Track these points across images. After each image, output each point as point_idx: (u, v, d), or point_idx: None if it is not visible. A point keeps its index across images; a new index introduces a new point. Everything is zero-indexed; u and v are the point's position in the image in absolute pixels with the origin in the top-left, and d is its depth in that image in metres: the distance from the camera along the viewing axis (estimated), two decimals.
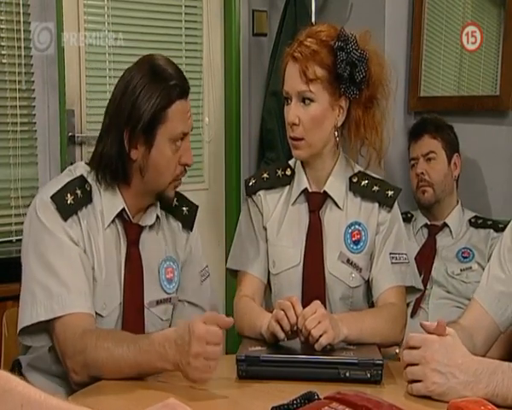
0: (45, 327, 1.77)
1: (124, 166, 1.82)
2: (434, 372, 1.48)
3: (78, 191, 1.82)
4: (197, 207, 2.03)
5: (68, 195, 1.80)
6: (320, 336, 1.69)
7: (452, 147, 2.95)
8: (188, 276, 1.98)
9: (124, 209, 1.85)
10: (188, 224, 1.99)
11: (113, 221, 1.84)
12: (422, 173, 2.92)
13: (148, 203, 1.89)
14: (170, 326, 1.93)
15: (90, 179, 1.85)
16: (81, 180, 1.84)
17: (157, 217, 1.92)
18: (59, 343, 1.73)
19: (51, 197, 1.78)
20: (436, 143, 2.92)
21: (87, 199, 1.82)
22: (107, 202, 1.84)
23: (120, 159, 1.81)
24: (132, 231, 1.86)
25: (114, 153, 1.81)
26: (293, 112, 1.95)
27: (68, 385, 1.78)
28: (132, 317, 1.85)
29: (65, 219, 1.78)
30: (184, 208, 2.00)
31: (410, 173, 3.03)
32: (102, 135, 1.86)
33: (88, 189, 1.83)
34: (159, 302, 1.91)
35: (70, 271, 1.75)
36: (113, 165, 1.82)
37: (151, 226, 1.91)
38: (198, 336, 1.54)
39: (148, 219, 1.90)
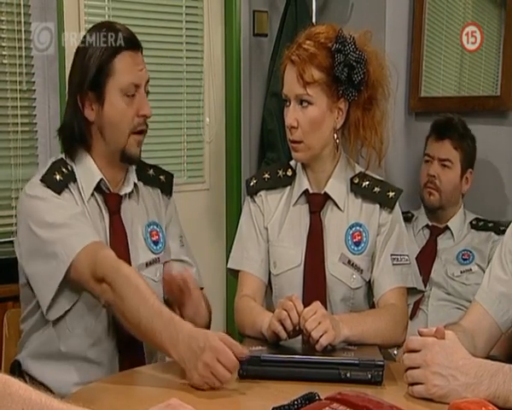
0: (66, 288, 1.82)
1: (82, 129, 1.89)
2: (435, 375, 1.48)
3: (64, 169, 1.90)
4: (172, 175, 2.11)
5: (56, 173, 1.88)
6: (320, 336, 1.70)
7: (469, 161, 2.91)
8: (169, 238, 2.05)
9: (102, 180, 1.91)
10: (166, 190, 2.08)
11: (93, 194, 1.91)
12: (434, 177, 2.90)
13: (123, 173, 1.96)
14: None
15: (69, 161, 1.93)
16: (63, 161, 1.92)
17: (135, 185, 1.98)
18: (90, 265, 1.75)
19: (40, 180, 1.87)
20: (455, 154, 2.88)
21: (72, 177, 1.90)
22: (85, 176, 1.91)
23: (78, 123, 1.89)
24: (112, 201, 1.93)
25: (72, 118, 1.90)
26: (291, 115, 1.95)
27: (78, 362, 1.86)
28: None
29: (58, 192, 1.86)
30: (161, 177, 2.08)
31: (421, 167, 2.98)
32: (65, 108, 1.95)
33: (70, 169, 1.91)
34: (148, 264, 1.98)
35: (76, 216, 1.84)
36: (73, 131, 1.90)
37: (130, 196, 1.98)
38: (212, 348, 1.55)
39: (126, 187, 1.97)
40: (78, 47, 1.92)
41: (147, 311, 1.63)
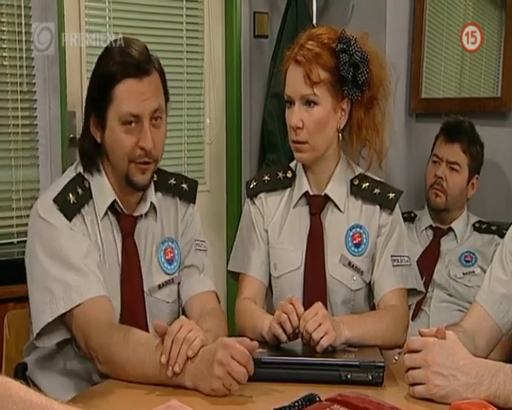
0: (60, 323, 1.76)
1: (91, 149, 1.84)
2: (436, 375, 1.48)
3: (79, 189, 1.83)
4: (196, 182, 2.03)
5: (70, 194, 1.81)
6: (321, 338, 1.69)
7: (477, 166, 2.91)
8: (183, 242, 1.97)
9: (115, 201, 1.85)
10: (187, 197, 1.98)
11: (107, 214, 1.85)
12: (441, 178, 2.89)
13: (138, 194, 1.89)
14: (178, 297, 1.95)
15: (87, 176, 1.86)
16: (80, 178, 1.85)
17: (151, 205, 1.91)
18: (82, 331, 1.71)
19: (54, 200, 1.79)
20: (464, 158, 2.87)
21: (88, 196, 1.84)
22: (99, 195, 1.85)
23: (88, 142, 1.84)
24: (126, 223, 1.87)
25: (83, 136, 1.85)
26: (296, 115, 1.94)
27: (81, 382, 1.80)
28: (131, 306, 1.84)
29: (70, 219, 1.79)
30: (183, 185, 1.99)
31: (427, 167, 2.97)
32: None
33: (87, 185, 1.85)
34: (161, 286, 1.91)
35: (84, 260, 1.76)
36: (85, 151, 1.85)
37: (147, 215, 1.91)
38: (223, 345, 1.54)
39: (142, 208, 1.90)
40: (98, 60, 1.84)
41: (152, 362, 1.59)
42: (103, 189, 1.84)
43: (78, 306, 1.71)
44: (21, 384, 1.03)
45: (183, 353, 1.56)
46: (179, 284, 1.96)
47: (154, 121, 1.79)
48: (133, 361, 1.61)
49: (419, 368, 1.51)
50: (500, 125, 3.07)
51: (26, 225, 1.91)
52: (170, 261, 1.93)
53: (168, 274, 1.93)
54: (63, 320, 1.75)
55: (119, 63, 1.76)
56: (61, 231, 1.77)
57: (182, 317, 1.68)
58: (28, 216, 1.91)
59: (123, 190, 1.85)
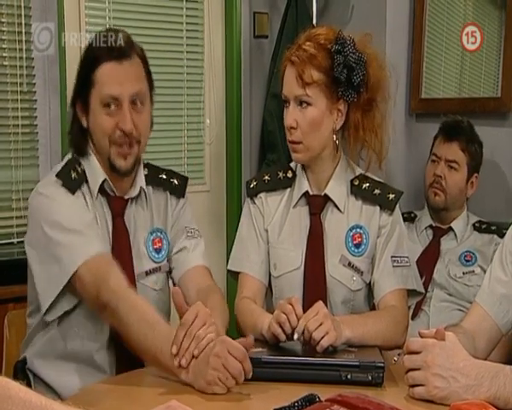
0: (63, 295, 1.81)
1: (80, 136, 1.90)
2: (436, 377, 1.48)
3: (78, 168, 1.90)
4: (187, 178, 2.07)
5: (72, 170, 1.88)
6: (321, 338, 1.69)
7: (476, 165, 2.91)
8: (174, 232, 2.01)
9: (106, 181, 1.90)
10: (177, 192, 2.03)
11: (99, 195, 1.90)
12: (440, 177, 2.90)
13: (129, 178, 1.93)
14: (174, 285, 1.98)
15: (80, 159, 1.92)
16: (77, 160, 1.92)
17: (141, 190, 1.96)
18: (94, 282, 1.74)
19: (56, 175, 1.87)
20: (462, 156, 2.88)
21: (84, 177, 1.90)
22: (91, 177, 1.90)
23: (76, 127, 1.90)
24: (116, 204, 1.92)
25: (72, 122, 1.91)
26: (290, 115, 1.95)
27: (82, 365, 1.84)
28: None
29: (73, 192, 1.86)
30: (174, 180, 2.04)
31: (426, 167, 2.98)
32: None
33: (82, 168, 1.91)
34: (148, 273, 1.95)
35: (85, 226, 1.82)
36: (73, 137, 1.92)
37: (137, 201, 1.96)
38: (222, 340, 1.56)
39: (132, 191, 1.95)
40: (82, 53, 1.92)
41: (154, 338, 1.62)
42: (94, 169, 1.90)
43: (84, 264, 1.76)
44: (21, 385, 1.03)
45: (191, 350, 1.57)
46: (168, 273, 2.00)
47: (134, 105, 1.84)
48: (137, 332, 1.65)
49: (419, 369, 1.51)
50: (500, 125, 3.07)
51: (26, 225, 1.91)
52: (158, 250, 1.98)
53: (155, 262, 1.97)
54: (68, 289, 1.79)
55: (100, 48, 1.83)
56: (62, 201, 1.84)
57: (198, 303, 1.66)
58: None
59: (111, 175, 1.91)
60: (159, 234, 1.97)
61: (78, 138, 1.91)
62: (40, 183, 1.92)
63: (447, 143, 2.91)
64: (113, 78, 1.82)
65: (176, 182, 2.03)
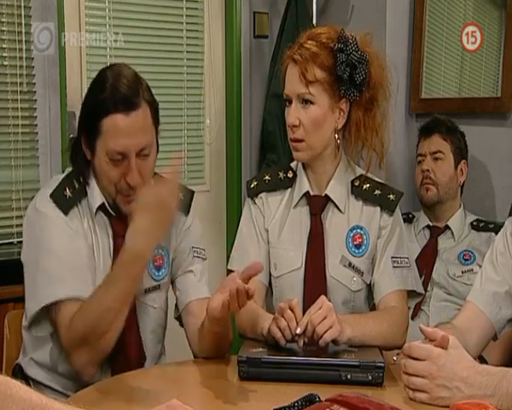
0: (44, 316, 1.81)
1: (82, 163, 1.85)
2: (440, 387, 1.48)
3: (76, 184, 1.86)
4: (193, 192, 2.02)
5: (67, 189, 1.84)
6: (325, 332, 1.69)
7: (461, 152, 2.94)
8: (179, 251, 1.97)
9: (103, 204, 1.86)
10: (181, 208, 1.94)
11: (99, 212, 1.86)
12: (428, 171, 2.92)
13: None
14: (176, 306, 1.96)
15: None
16: (78, 173, 1.88)
17: None
18: (63, 330, 1.74)
19: (50, 195, 1.83)
20: (445, 145, 2.91)
21: (84, 192, 1.86)
22: (90, 195, 1.86)
23: (81, 158, 1.85)
24: (117, 224, 1.87)
25: (77, 152, 1.86)
26: (293, 114, 1.95)
27: (74, 384, 1.80)
28: None
29: (66, 213, 1.82)
30: (179, 194, 1.94)
31: (415, 170, 3.01)
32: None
33: (83, 183, 1.87)
34: (147, 291, 1.91)
35: (73, 257, 1.79)
36: (76, 163, 1.87)
37: None
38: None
39: None
40: (90, 86, 1.84)
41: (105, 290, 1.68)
42: (93, 191, 1.86)
43: (61, 302, 1.74)
44: (21, 384, 1.02)
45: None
46: (167, 291, 1.96)
47: (140, 156, 1.79)
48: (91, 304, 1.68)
49: (422, 377, 1.50)
50: (500, 126, 3.06)
51: None
52: (158, 268, 1.93)
53: (155, 280, 1.93)
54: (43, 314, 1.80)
55: (107, 97, 1.75)
56: (55, 224, 1.80)
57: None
58: None
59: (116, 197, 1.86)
60: (160, 251, 1.92)
61: (81, 166, 1.86)
62: (37, 196, 1.86)
63: (428, 138, 2.95)
64: (119, 131, 1.74)
65: (181, 197, 1.90)
